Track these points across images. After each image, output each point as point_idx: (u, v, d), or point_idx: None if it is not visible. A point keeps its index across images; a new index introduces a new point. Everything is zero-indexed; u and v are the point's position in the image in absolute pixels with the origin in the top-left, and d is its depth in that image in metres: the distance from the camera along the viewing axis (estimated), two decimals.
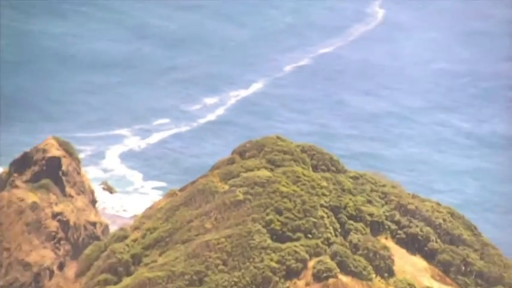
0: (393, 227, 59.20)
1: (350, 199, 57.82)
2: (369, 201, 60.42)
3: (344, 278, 48.53)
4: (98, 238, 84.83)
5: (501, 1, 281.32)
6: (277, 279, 47.11)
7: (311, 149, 65.96)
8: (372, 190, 64.35)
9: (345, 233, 54.40)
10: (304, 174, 58.03)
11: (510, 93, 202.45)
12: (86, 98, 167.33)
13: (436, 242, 60.03)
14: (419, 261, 60.72)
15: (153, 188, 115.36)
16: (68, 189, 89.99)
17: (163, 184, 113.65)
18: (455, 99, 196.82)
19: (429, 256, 59.91)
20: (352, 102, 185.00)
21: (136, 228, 62.72)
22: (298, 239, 50.55)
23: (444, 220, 63.37)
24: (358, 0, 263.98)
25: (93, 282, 55.48)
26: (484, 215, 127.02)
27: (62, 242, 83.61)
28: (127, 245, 58.86)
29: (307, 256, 47.89)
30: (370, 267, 50.08)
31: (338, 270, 47.41)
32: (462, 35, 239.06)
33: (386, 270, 52.34)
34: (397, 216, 60.97)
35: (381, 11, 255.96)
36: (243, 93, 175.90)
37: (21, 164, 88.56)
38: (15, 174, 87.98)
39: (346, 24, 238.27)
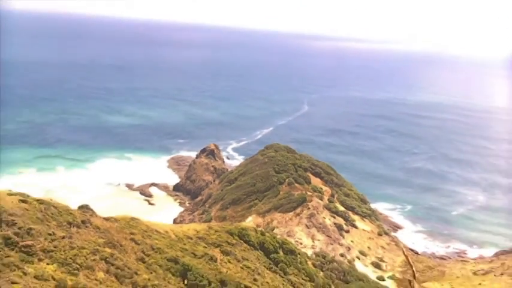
0: None
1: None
2: None
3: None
4: None
5: None
6: (277, 185, 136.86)
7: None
8: None
9: None
10: (282, 156, 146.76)
11: None
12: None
13: None
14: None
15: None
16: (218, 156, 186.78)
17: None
18: None
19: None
20: None
21: (241, 173, 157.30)
22: (284, 172, 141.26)
23: None
24: None
25: None
26: None
27: None
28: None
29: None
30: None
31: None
32: None
33: (306, 182, 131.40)
34: None
35: None
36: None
37: (204, 150, 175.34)
38: (202, 154, 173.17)
39: None
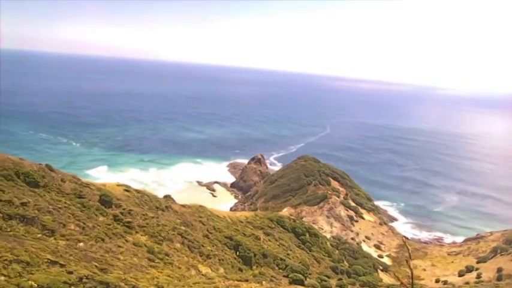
0: None
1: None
2: None
3: None
4: None
5: None
6: (306, 186, 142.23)
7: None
8: None
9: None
10: (310, 164, 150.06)
11: None
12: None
13: None
14: None
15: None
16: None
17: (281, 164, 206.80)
18: None
19: None
20: None
21: (280, 176, 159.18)
22: (311, 176, 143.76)
23: None
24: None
25: None
26: None
27: None
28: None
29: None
30: None
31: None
32: None
33: (327, 184, 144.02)
34: None
35: None
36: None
37: (253, 158, 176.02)
38: (252, 162, 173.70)
39: None
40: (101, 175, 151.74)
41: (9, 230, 32.88)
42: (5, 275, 24.77)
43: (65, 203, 43.47)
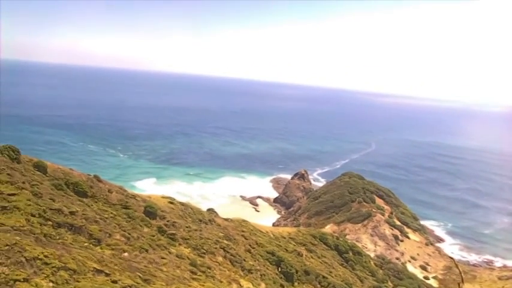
0: None
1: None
2: None
3: None
4: None
5: None
6: (350, 203, 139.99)
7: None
8: None
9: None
10: (354, 181, 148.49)
11: None
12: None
13: None
14: None
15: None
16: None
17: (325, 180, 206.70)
18: None
19: None
20: None
21: (323, 192, 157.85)
22: (355, 193, 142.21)
23: None
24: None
25: None
26: None
27: None
28: None
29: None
30: None
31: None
32: None
33: (372, 202, 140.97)
34: None
35: None
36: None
37: (297, 174, 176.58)
38: (295, 177, 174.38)
39: None
40: (147, 187, 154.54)
41: (58, 237, 33.76)
42: (53, 282, 25.39)
43: (111, 213, 44.34)
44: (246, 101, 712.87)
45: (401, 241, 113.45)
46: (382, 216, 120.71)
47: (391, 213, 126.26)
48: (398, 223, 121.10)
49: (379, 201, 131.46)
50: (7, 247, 26.29)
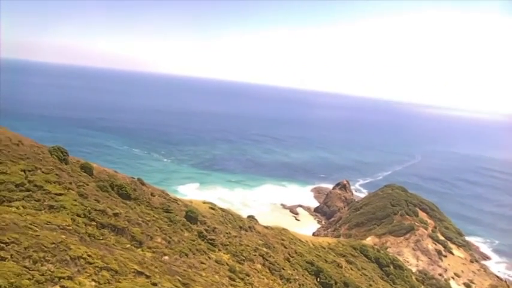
0: None
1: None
2: None
3: None
4: None
5: None
6: (392, 215, 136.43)
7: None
8: None
9: None
10: (397, 193, 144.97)
11: None
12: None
13: None
14: None
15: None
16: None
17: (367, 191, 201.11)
18: None
19: None
20: None
21: (365, 203, 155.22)
22: (398, 206, 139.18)
23: None
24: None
25: None
26: None
27: None
28: None
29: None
30: None
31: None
32: None
33: (415, 215, 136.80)
34: None
35: None
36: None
37: (338, 184, 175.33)
38: (337, 187, 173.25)
39: None
40: (189, 192, 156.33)
41: (101, 238, 34.43)
42: (95, 281, 25.90)
43: (153, 216, 44.92)
44: (288, 109, 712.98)
45: (445, 257, 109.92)
46: (425, 230, 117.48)
47: (435, 227, 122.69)
48: (442, 238, 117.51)
49: (422, 215, 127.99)
50: (53, 245, 26.98)
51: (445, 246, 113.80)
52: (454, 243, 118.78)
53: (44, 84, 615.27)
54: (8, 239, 25.73)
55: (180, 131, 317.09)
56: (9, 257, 24.41)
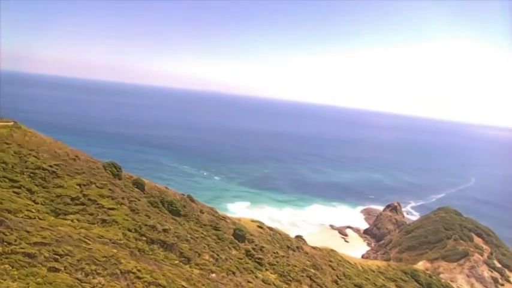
0: None
1: None
2: None
3: None
4: None
5: None
6: (445, 240, 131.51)
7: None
8: None
9: None
10: (450, 217, 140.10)
11: None
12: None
13: None
14: None
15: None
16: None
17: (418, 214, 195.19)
18: None
19: None
20: None
21: (417, 226, 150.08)
22: (451, 230, 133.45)
23: None
24: None
25: None
26: None
27: None
28: None
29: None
30: None
31: None
32: None
33: (470, 240, 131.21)
34: None
35: None
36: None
37: (389, 206, 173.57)
38: (387, 209, 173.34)
39: None
40: (238, 210, 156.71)
41: (150, 253, 34.96)
42: None
43: (202, 233, 45.25)
44: (338, 129, 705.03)
45: (502, 285, 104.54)
46: (481, 257, 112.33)
47: (491, 253, 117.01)
48: (498, 265, 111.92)
49: (477, 240, 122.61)
50: (104, 258, 27.60)
51: (502, 274, 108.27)
52: (511, 270, 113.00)
53: (119, 103, 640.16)
54: (63, 251, 26.55)
55: (231, 149, 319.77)
56: (62, 268, 25.14)
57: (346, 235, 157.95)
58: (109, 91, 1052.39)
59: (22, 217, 31.44)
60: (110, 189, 40.75)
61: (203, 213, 50.35)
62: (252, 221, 61.76)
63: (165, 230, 39.28)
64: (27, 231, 27.57)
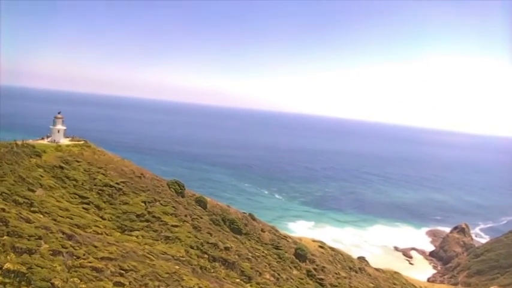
0: None
1: None
2: None
3: None
4: None
5: None
6: None
7: None
8: None
9: None
10: None
11: None
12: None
13: None
14: None
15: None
16: None
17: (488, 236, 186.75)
18: None
19: None
20: None
21: (486, 250, 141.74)
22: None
23: None
24: None
25: None
26: None
27: None
28: None
29: None
30: None
31: None
32: None
33: None
34: None
35: None
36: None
37: (456, 227, 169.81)
38: (454, 231, 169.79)
39: None
40: (299, 229, 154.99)
41: (212, 271, 34.91)
42: None
43: (263, 252, 44.82)
44: (401, 147, 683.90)
45: None
46: None
47: None
48: None
49: None
50: (167, 275, 27.77)
51: None
52: None
53: (170, 121, 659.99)
54: (128, 266, 26.99)
55: (291, 167, 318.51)
56: (127, 283, 25.50)
57: (410, 257, 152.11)
58: (174, 111, 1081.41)
59: (90, 232, 32.45)
60: (173, 207, 41.39)
61: (264, 232, 50.03)
62: (313, 240, 60.67)
63: (226, 248, 39.23)
64: (95, 246, 28.33)
